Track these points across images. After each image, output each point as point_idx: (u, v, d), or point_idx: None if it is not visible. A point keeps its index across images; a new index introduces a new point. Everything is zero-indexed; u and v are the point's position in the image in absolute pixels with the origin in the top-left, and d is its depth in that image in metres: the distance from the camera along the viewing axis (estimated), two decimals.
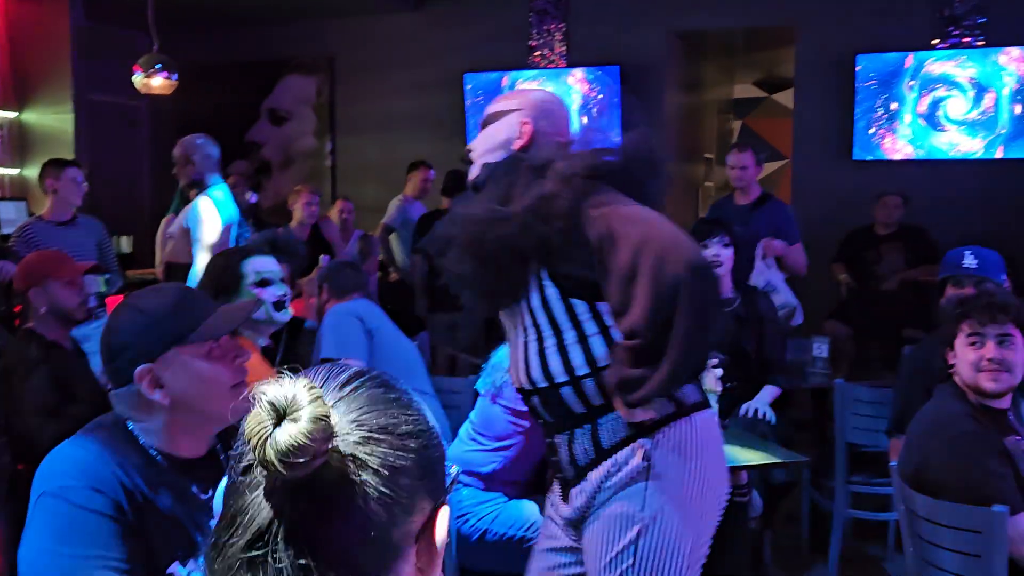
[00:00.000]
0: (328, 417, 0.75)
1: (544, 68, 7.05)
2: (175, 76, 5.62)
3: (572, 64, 6.92)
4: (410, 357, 3.66)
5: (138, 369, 1.53)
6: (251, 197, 5.87)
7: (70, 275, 3.12)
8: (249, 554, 0.74)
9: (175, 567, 1.53)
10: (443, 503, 0.82)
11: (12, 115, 6.44)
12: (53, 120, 6.42)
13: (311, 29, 7.84)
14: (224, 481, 0.82)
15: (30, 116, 6.49)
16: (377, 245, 6.14)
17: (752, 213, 4.86)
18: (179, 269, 4.26)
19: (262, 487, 0.76)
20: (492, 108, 2.10)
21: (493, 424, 2.84)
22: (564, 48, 6.97)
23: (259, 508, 0.75)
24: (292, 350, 3.49)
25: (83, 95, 6.43)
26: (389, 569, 0.77)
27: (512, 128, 2.02)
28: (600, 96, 7.03)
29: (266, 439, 0.73)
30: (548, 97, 2.13)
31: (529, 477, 2.90)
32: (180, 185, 4.65)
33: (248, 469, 0.77)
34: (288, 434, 0.73)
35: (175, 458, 1.58)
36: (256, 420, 0.74)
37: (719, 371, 2.91)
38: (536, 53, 7.07)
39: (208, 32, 7.78)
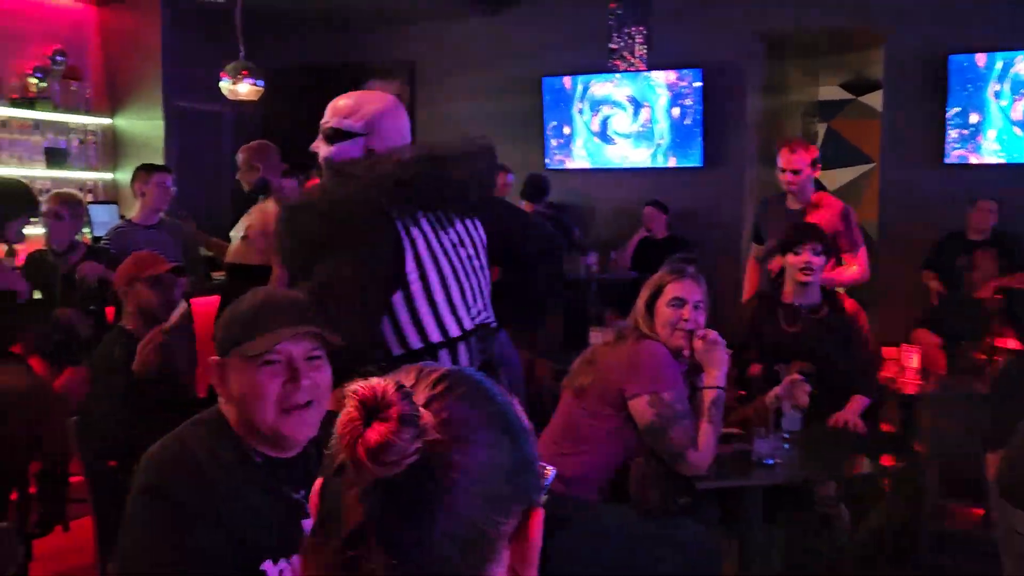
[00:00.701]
0: (418, 416, 0.74)
1: (624, 71, 7.00)
2: (261, 82, 5.75)
3: (653, 67, 6.85)
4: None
5: (210, 360, 1.59)
6: None
7: (154, 274, 3.22)
8: (344, 555, 0.74)
9: (267, 564, 1.55)
10: (538, 505, 0.80)
11: (106, 121, 6.67)
12: (144, 126, 6.63)
13: (392, 35, 7.93)
14: (318, 481, 0.82)
15: (122, 122, 6.71)
16: None
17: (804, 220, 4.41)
18: (239, 270, 4.33)
19: (355, 487, 0.74)
20: (342, 124, 2.29)
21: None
22: (645, 51, 6.90)
23: (352, 508, 0.74)
24: None
25: (172, 102, 6.62)
26: (482, 571, 0.76)
27: (358, 152, 2.24)
28: (682, 99, 6.95)
29: (357, 438, 0.73)
30: (386, 111, 2.32)
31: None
32: (245, 190, 4.71)
33: (341, 469, 0.76)
34: (378, 433, 0.72)
35: (268, 456, 1.60)
36: (347, 419, 0.74)
37: (807, 387, 2.83)
38: (616, 56, 7.02)
39: (291, 39, 7.93)
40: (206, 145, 7.71)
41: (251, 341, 1.57)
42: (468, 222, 2.32)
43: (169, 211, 5.09)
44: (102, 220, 5.78)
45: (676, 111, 7.01)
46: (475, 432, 0.76)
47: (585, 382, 2.73)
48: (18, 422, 3.91)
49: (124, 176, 6.37)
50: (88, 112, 6.51)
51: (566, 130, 7.41)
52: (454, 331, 2.19)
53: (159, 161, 6.08)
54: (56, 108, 6.25)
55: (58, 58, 6.29)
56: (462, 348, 2.21)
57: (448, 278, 2.20)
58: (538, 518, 0.79)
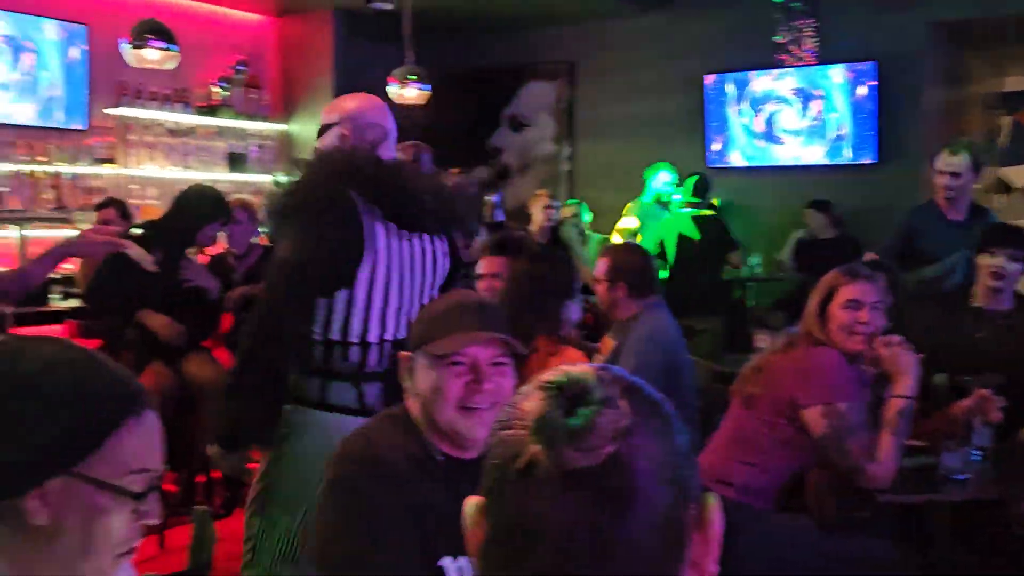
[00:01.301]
0: (618, 401, 0.72)
1: (792, 66, 6.77)
2: (427, 87, 5.89)
3: (824, 61, 6.59)
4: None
5: (400, 354, 1.65)
6: (494, 198, 6.04)
7: None
8: (547, 567, 0.69)
9: (445, 560, 1.58)
10: (707, 491, 0.77)
11: (282, 127, 7.02)
12: (316, 130, 6.91)
13: (552, 36, 7.96)
14: (471, 501, 0.78)
15: (296, 127, 7.04)
16: None
17: (961, 232, 3.92)
18: None
19: (550, 485, 0.69)
20: (324, 119, 2.45)
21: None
22: (815, 44, 6.64)
23: (552, 509, 0.69)
24: None
25: None
26: (680, 565, 0.73)
27: (334, 139, 2.37)
28: (854, 93, 6.65)
29: (556, 427, 0.70)
30: (361, 106, 2.43)
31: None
32: None
33: (529, 467, 0.70)
34: (583, 418, 0.70)
35: (449, 455, 1.63)
36: (541, 409, 0.71)
37: (1000, 401, 2.64)
38: (783, 50, 6.80)
39: (453, 42, 8.08)
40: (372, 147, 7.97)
41: (439, 340, 1.61)
42: (437, 241, 2.41)
43: None
44: None
45: (848, 105, 6.72)
46: (653, 419, 0.74)
47: (755, 391, 2.64)
48: (207, 410, 4.17)
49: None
50: (266, 118, 6.87)
51: (728, 128, 7.24)
52: (373, 336, 2.28)
53: None
54: (237, 115, 6.62)
55: (239, 68, 6.67)
56: (373, 350, 2.28)
57: (392, 291, 2.29)
58: (717, 506, 0.76)
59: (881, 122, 6.55)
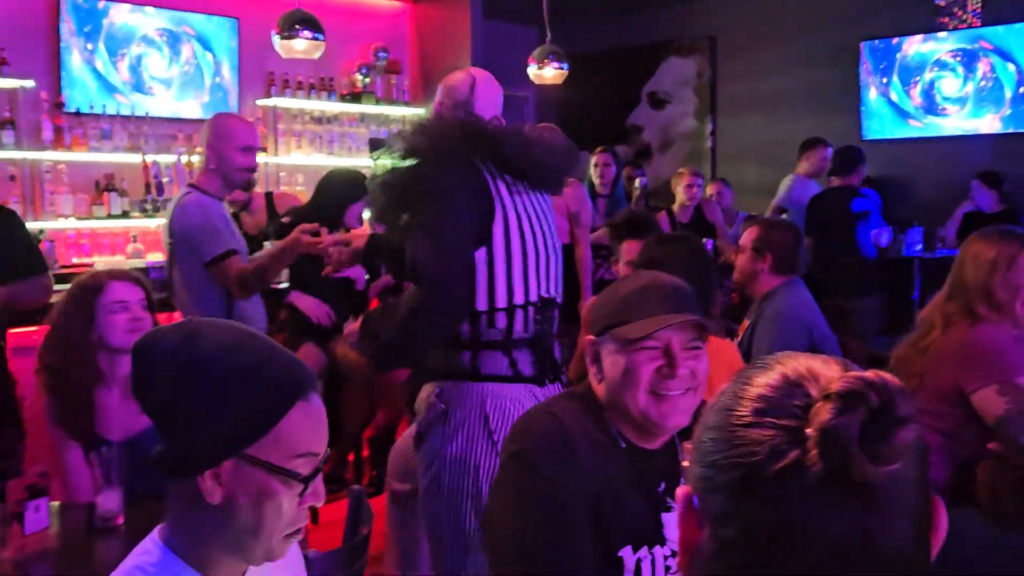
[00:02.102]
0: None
1: (955, 30, 6.34)
2: (565, 66, 5.83)
3: (988, 23, 6.15)
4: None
5: (584, 339, 1.63)
6: (643, 181, 5.92)
7: None
8: (818, 571, 0.66)
9: (626, 551, 1.54)
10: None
11: (422, 111, 7.10)
12: None
13: (692, 10, 7.76)
14: (681, 490, 0.75)
15: None
16: None
17: None
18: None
19: (821, 493, 0.65)
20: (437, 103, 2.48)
21: None
22: (979, 5, 6.20)
23: (823, 519, 0.65)
24: None
25: None
26: (927, 563, 0.70)
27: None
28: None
29: (851, 440, 0.65)
30: (456, 79, 2.50)
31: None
32: None
33: (792, 470, 0.66)
34: (884, 434, 0.65)
35: (633, 443, 1.59)
36: (832, 418, 0.66)
37: None
38: (944, 13, 6.37)
39: (590, 22, 7.99)
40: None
41: (630, 324, 1.55)
42: (544, 200, 2.43)
43: None
44: None
45: (1016, 70, 6.25)
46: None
47: (914, 380, 2.45)
48: (358, 390, 4.27)
49: None
50: (406, 104, 6.96)
51: (882, 98, 6.86)
52: (519, 298, 2.25)
53: None
54: (378, 101, 6.74)
55: (380, 55, 6.78)
56: (519, 316, 2.26)
57: (528, 244, 2.28)
58: (942, 505, 0.73)
59: None
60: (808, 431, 0.66)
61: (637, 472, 1.57)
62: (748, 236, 3.22)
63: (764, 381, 0.71)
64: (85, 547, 2.12)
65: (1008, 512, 2.28)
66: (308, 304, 4.19)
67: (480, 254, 2.20)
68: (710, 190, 6.21)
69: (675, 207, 5.70)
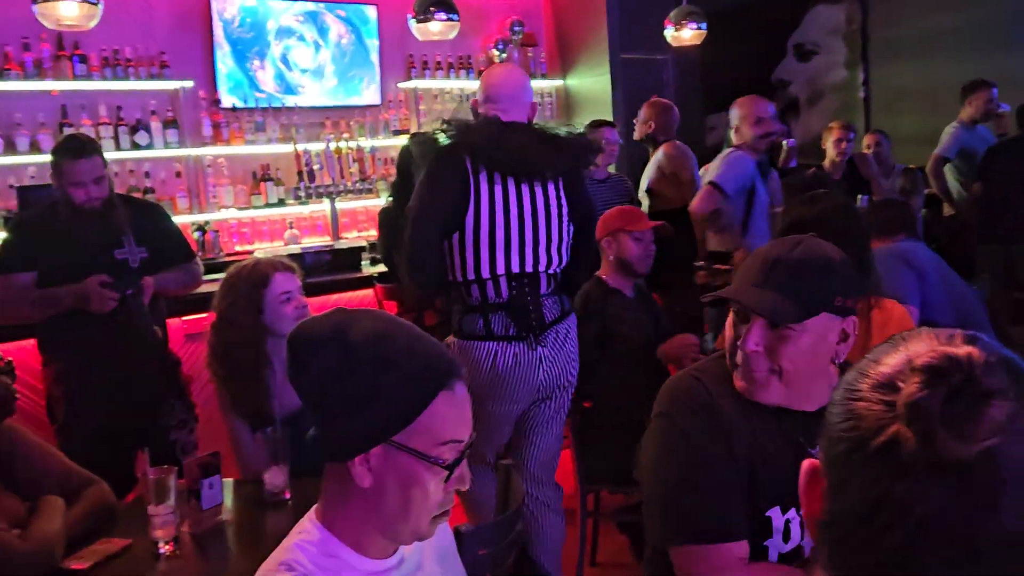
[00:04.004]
0: (1008, 388, 0.64)
1: None
2: (703, 25, 5.67)
3: None
4: (968, 303, 3.26)
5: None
6: (790, 142, 5.69)
7: (640, 230, 3.33)
8: (907, 550, 0.64)
9: (774, 511, 1.56)
10: None
11: (559, 83, 7.08)
12: (592, 82, 6.91)
13: None
14: (810, 465, 0.74)
15: (573, 81, 7.07)
16: (921, 180, 5.58)
17: None
18: (660, 216, 4.34)
19: (913, 471, 0.64)
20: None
21: None
22: None
23: (913, 496, 0.64)
24: None
25: (617, 56, 6.81)
26: None
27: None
28: None
29: (934, 416, 0.64)
30: (491, 75, 2.93)
31: None
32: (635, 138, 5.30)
33: (890, 447, 0.65)
34: (968, 410, 0.63)
35: (785, 407, 1.59)
36: (917, 393, 0.65)
37: None
38: None
39: None
40: (650, 92, 7.83)
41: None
42: (550, 186, 2.84)
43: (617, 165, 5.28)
44: None
45: None
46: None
47: None
48: None
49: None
50: (544, 76, 6.95)
51: None
52: (486, 272, 2.79)
53: (608, 115, 6.31)
54: None
55: (516, 28, 6.79)
56: (490, 286, 2.81)
57: (498, 229, 2.76)
58: None
59: None
60: (898, 407, 0.66)
61: (788, 434, 1.57)
62: None
63: (888, 360, 0.70)
64: (256, 521, 2.25)
65: None
66: None
67: (455, 237, 2.78)
68: (867, 141, 5.90)
69: (826, 163, 5.46)
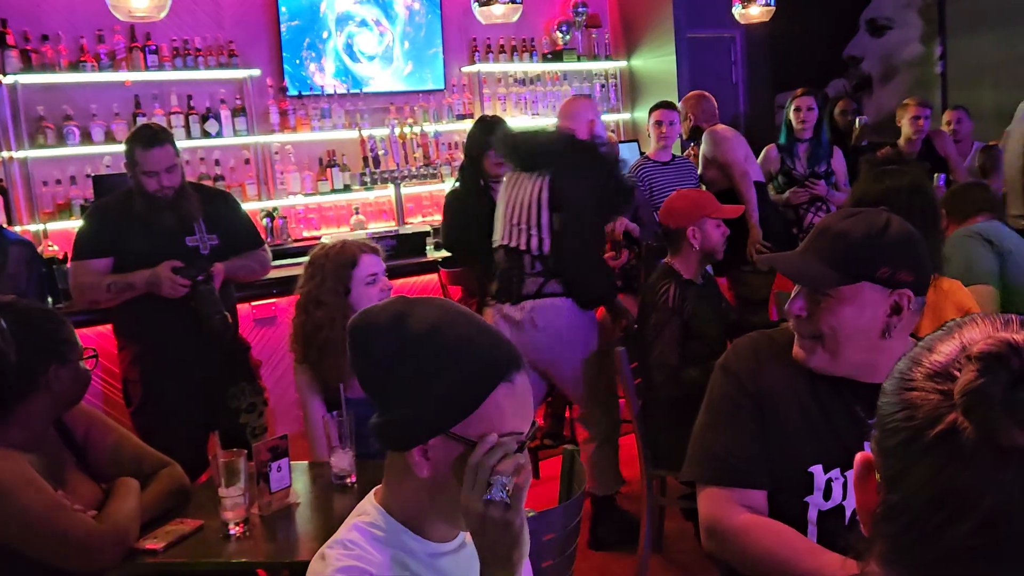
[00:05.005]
0: None
1: None
2: (772, 1, 5.54)
3: None
4: None
5: None
6: (863, 119, 5.54)
7: (721, 215, 3.29)
8: (974, 542, 0.62)
9: (816, 468, 1.60)
10: None
11: (623, 64, 7.00)
12: (657, 63, 6.82)
13: None
14: (864, 458, 0.73)
15: (637, 62, 6.98)
16: (1002, 157, 5.37)
17: None
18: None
19: (978, 460, 0.62)
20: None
21: None
22: None
23: (979, 485, 0.62)
24: None
25: (683, 35, 6.70)
26: None
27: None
28: None
29: (996, 404, 0.62)
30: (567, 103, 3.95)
31: None
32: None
33: (949, 436, 0.64)
34: (998, 384, 0.62)
35: (852, 381, 1.61)
36: (976, 380, 0.63)
37: None
38: None
39: None
40: (717, 72, 7.70)
41: None
42: (537, 179, 3.55)
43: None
44: (624, 157, 6.08)
45: None
46: None
47: None
48: None
49: (641, 115, 6.64)
50: (608, 58, 6.88)
51: None
52: (498, 240, 3.67)
53: (674, 96, 6.22)
54: (580, 58, 6.70)
55: (579, 10, 6.72)
56: (500, 252, 3.65)
57: (504, 213, 3.64)
58: None
59: None
60: (955, 396, 0.64)
61: (846, 400, 1.60)
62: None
63: (942, 348, 0.68)
64: (323, 504, 2.28)
65: None
66: None
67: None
68: (947, 118, 5.70)
69: (901, 141, 5.30)
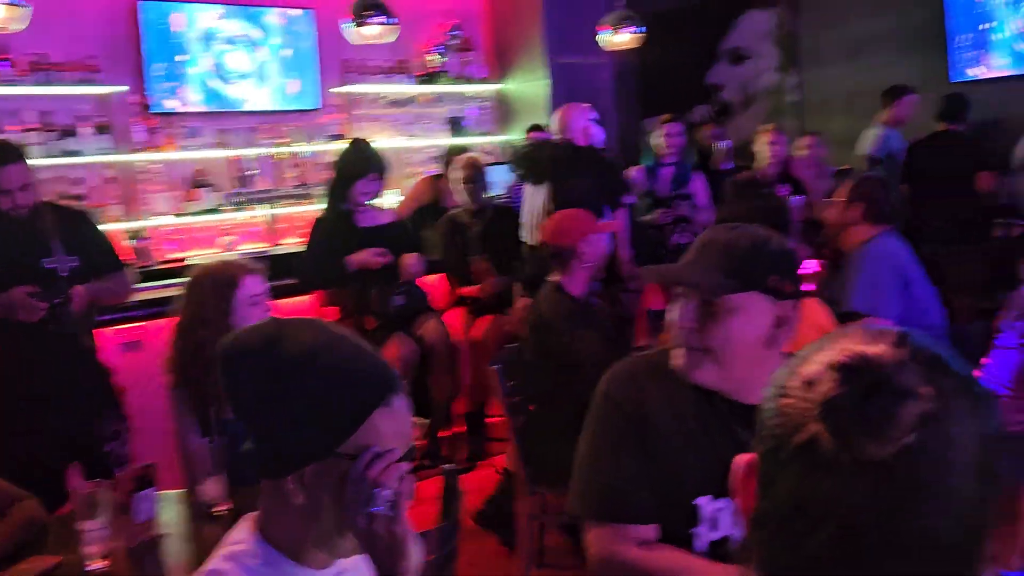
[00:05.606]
0: (923, 387, 0.64)
1: None
2: (641, 29, 5.73)
3: None
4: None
5: None
6: (724, 144, 5.81)
7: (602, 231, 3.42)
8: (832, 551, 0.64)
9: (703, 499, 1.56)
10: (1021, 479, 0.68)
11: (497, 87, 7.09)
12: (529, 87, 6.94)
13: None
14: (743, 460, 0.74)
15: (511, 86, 7.09)
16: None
17: None
18: None
19: (836, 470, 0.64)
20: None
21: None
22: None
23: (835, 495, 0.64)
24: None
25: (554, 60, 6.85)
26: (978, 556, 0.65)
27: None
28: None
29: (849, 415, 0.64)
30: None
31: None
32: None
33: (808, 448, 0.65)
34: (881, 409, 0.63)
35: (731, 400, 1.58)
36: (832, 392, 0.65)
37: None
38: None
39: None
40: (587, 97, 7.87)
41: None
42: (544, 188, 4.27)
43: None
44: (498, 180, 6.16)
45: None
46: (960, 400, 0.66)
47: None
48: (441, 366, 4.33)
49: (517, 137, 6.74)
50: (482, 81, 6.96)
51: (981, 35, 6.51)
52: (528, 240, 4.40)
53: (544, 120, 6.34)
54: (454, 80, 6.75)
55: (453, 33, 6.78)
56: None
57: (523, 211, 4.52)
58: None
59: None
60: (816, 405, 0.66)
61: (728, 424, 1.56)
62: (842, 189, 3.29)
63: (816, 357, 0.69)
64: (192, 534, 2.21)
65: None
66: (363, 257, 4.24)
67: None
68: (802, 144, 6.02)
69: (759, 165, 5.57)
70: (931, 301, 3.25)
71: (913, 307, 3.11)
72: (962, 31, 6.55)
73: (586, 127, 4.33)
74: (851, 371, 0.65)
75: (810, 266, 2.98)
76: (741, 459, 0.74)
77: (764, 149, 5.53)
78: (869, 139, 5.85)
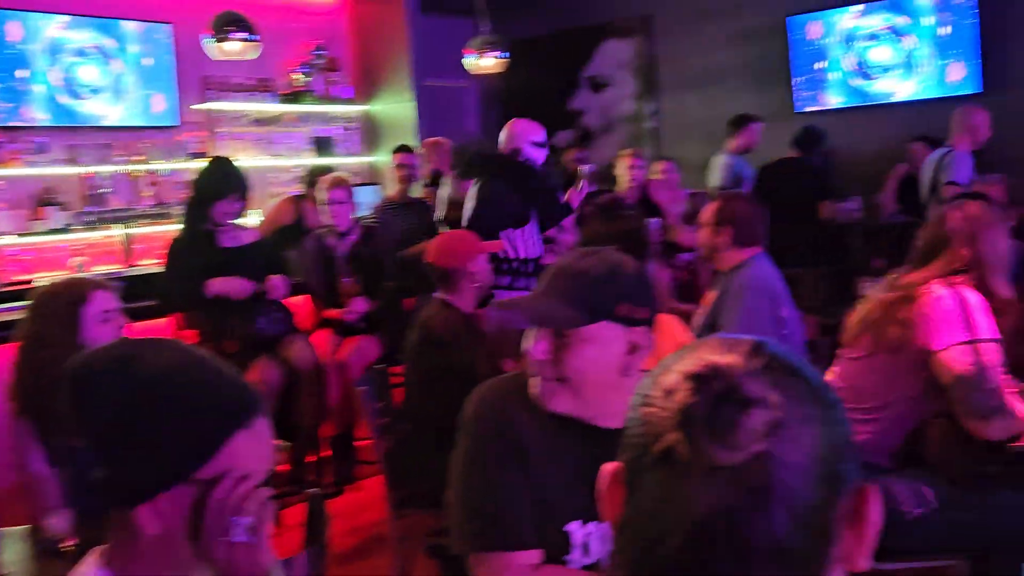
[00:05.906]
0: (766, 395, 0.67)
1: (872, 1, 6.47)
2: (505, 54, 5.83)
3: None
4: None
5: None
6: (586, 168, 5.96)
7: (486, 251, 3.39)
8: (682, 558, 0.66)
9: (573, 525, 1.57)
10: (867, 482, 0.72)
11: (363, 108, 7.06)
12: (396, 108, 6.94)
13: None
14: (610, 469, 0.75)
15: (377, 107, 7.07)
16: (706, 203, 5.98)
17: None
18: None
19: (691, 476, 0.66)
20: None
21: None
22: None
23: (691, 500, 0.65)
24: None
25: (420, 83, 6.88)
26: (825, 558, 0.68)
27: None
28: (949, 12, 6.30)
29: (700, 423, 0.66)
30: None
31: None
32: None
33: (666, 455, 0.67)
34: (730, 417, 0.65)
35: (587, 422, 1.58)
36: (685, 400, 0.67)
37: None
38: None
39: (526, 7, 7.98)
40: (454, 119, 7.96)
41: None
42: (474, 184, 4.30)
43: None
44: (366, 200, 6.13)
45: (944, 29, 6.39)
46: (809, 408, 0.68)
47: (871, 342, 2.45)
48: (308, 389, 4.25)
49: (384, 158, 6.73)
50: (348, 101, 6.91)
51: (817, 70, 6.96)
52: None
53: (413, 141, 6.36)
54: (319, 100, 6.68)
55: (318, 53, 6.72)
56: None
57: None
58: (875, 496, 0.71)
59: (985, 45, 6.22)
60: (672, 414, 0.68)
61: (590, 449, 1.51)
62: (707, 212, 3.26)
63: (676, 367, 0.71)
64: (37, 573, 2.10)
65: (958, 470, 2.32)
66: (227, 287, 4.11)
67: None
68: (658, 168, 6.25)
69: (620, 189, 5.75)
70: (796, 322, 3.37)
71: (783, 327, 3.18)
72: (802, 67, 7.00)
73: (531, 144, 4.36)
74: (703, 380, 0.67)
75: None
76: (607, 467, 0.75)
77: (624, 173, 5.72)
78: (717, 167, 6.14)
